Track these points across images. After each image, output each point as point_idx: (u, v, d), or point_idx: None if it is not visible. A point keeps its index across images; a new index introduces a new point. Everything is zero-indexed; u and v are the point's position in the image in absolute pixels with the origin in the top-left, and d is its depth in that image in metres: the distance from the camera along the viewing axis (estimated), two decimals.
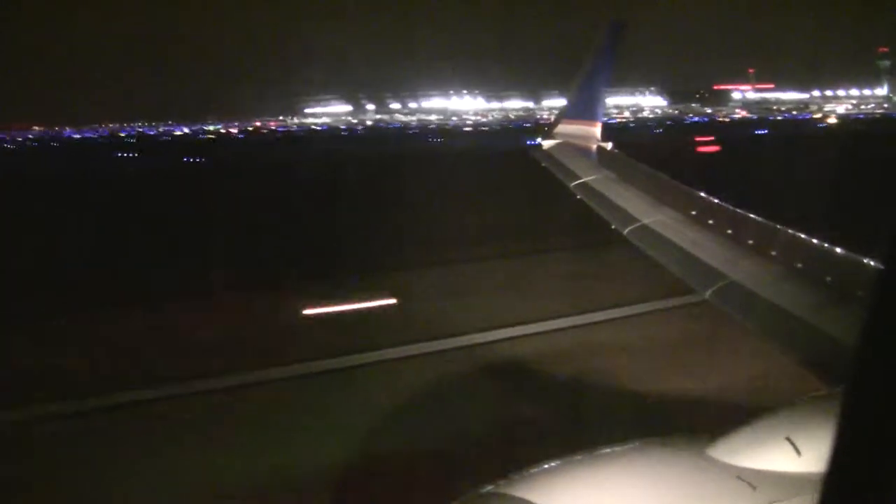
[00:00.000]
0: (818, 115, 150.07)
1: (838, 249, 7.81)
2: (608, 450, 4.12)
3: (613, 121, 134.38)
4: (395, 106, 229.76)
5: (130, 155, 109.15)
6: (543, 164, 15.92)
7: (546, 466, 3.95)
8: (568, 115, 17.17)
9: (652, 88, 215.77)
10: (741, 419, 4.29)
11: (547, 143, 16.49)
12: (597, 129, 16.50)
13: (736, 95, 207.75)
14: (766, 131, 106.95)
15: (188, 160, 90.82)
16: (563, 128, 16.79)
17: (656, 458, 4.06)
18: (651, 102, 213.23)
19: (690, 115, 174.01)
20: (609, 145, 16.02)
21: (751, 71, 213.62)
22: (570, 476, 3.84)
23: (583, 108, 16.83)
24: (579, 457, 4.01)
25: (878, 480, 1.78)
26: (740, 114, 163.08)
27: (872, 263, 7.01)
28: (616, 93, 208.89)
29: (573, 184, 13.99)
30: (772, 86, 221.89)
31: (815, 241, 8.25)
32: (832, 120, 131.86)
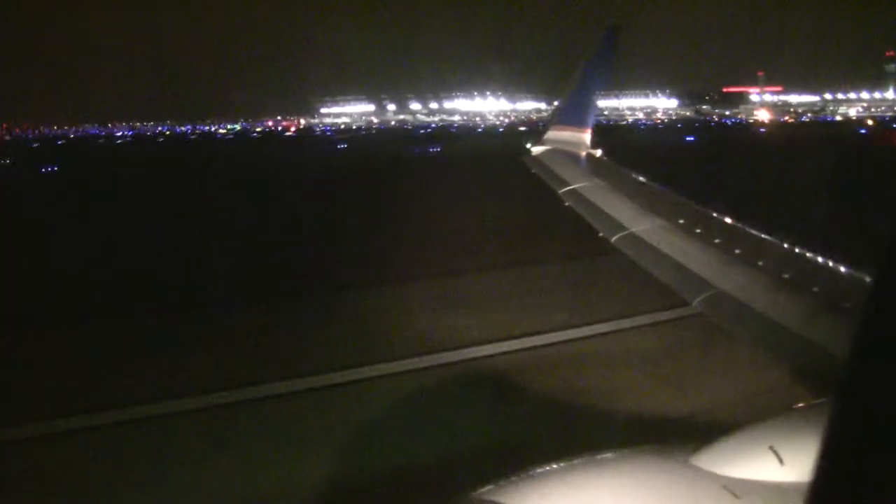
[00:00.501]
0: (838, 118, 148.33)
1: (824, 261, 8.00)
2: (592, 457, 4.16)
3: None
4: (416, 106, 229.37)
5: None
6: (533, 171, 15.40)
7: (530, 473, 3.97)
8: (558, 121, 16.85)
9: (667, 91, 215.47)
10: (726, 428, 4.35)
11: (537, 150, 16.10)
12: (586, 136, 16.11)
13: (754, 98, 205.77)
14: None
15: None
16: (552, 134, 16.51)
17: (640, 466, 4.08)
18: (663, 104, 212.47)
19: (727, 116, 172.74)
20: (598, 152, 15.65)
21: (760, 73, 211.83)
22: (553, 483, 3.88)
23: (573, 115, 16.45)
24: (563, 464, 4.05)
25: (864, 488, 1.80)
26: (758, 116, 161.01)
27: (857, 274, 7.25)
28: (632, 95, 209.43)
29: (562, 191, 13.54)
30: (780, 88, 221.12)
31: (801, 251, 8.41)
32: (869, 122, 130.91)
